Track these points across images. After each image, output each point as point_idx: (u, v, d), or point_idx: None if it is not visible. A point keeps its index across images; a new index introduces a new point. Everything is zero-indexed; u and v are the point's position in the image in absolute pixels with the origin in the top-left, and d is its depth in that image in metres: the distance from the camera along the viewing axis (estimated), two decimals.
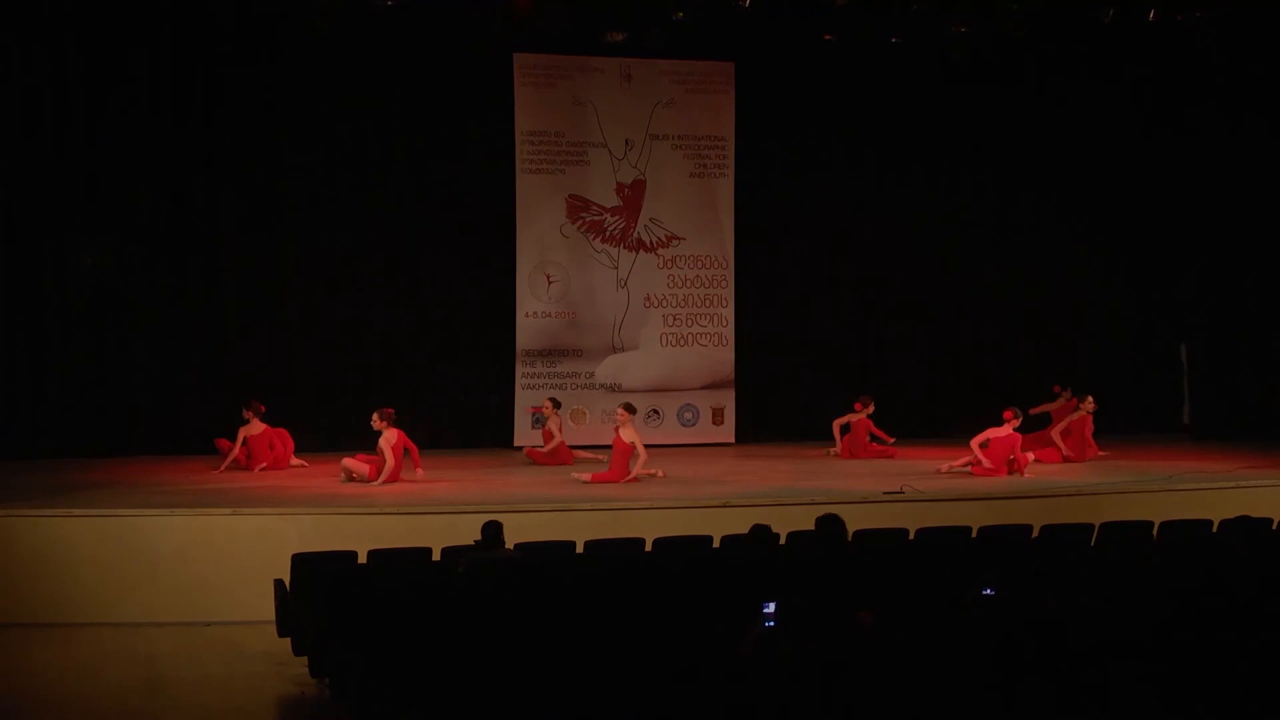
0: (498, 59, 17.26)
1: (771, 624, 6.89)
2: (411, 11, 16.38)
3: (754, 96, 17.97)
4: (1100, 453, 16.13)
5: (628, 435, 14.45)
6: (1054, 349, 18.94)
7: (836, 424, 16.68)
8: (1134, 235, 19.00)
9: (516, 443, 17.10)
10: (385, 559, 10.32)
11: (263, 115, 16.63)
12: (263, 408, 15.00)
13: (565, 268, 17.68)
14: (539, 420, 16.66)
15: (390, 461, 13.99)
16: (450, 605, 8.83)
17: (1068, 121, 18.51)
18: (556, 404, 16.35)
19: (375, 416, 14.26)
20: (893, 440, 16.63)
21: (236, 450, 14.77)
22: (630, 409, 14.91)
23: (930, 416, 18.43)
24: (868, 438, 16.56)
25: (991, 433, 14.73)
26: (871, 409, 16.61)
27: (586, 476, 14.38)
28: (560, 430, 16.09)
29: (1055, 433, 16.02)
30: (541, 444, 16.16)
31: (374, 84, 16.88)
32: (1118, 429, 17.53)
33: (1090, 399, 16.14)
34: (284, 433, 15.27)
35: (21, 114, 15.90)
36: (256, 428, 14.96)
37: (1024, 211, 18.91)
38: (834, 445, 16.65)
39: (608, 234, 17.81)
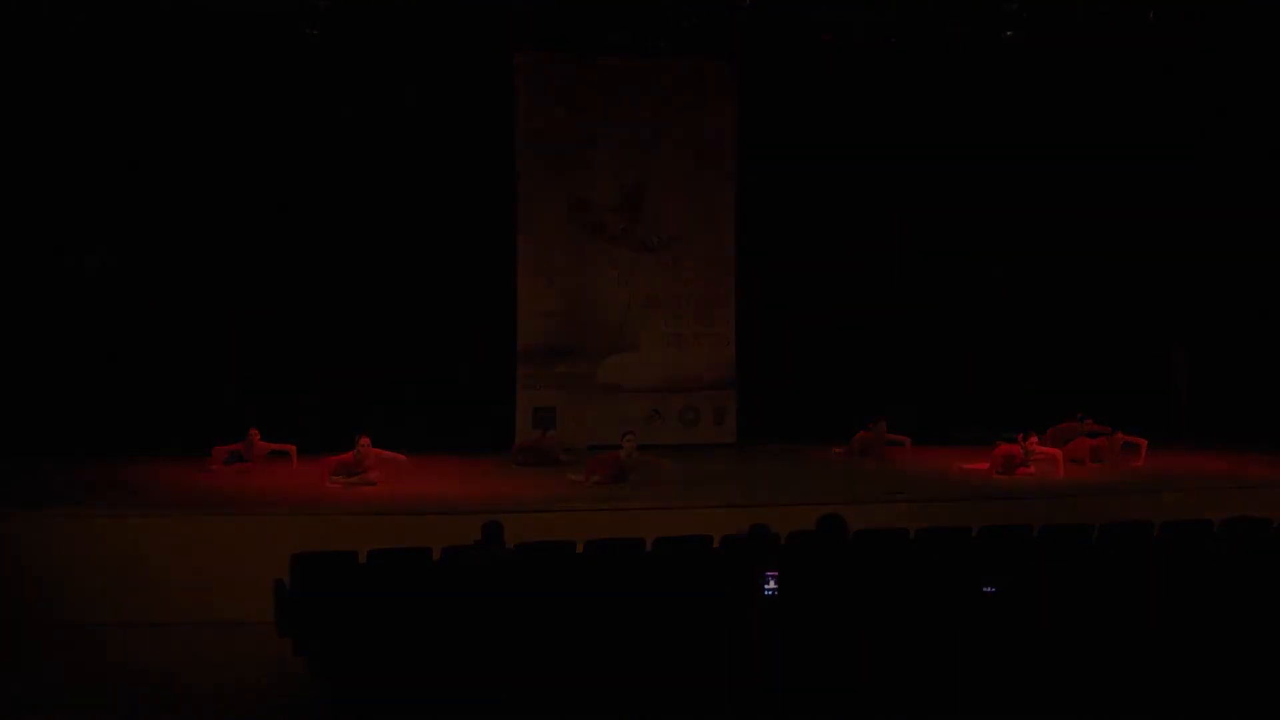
0: (498, 59, 17.27)
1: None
2: (411, 11, 16.39)
3: (754, 96, 17.98)
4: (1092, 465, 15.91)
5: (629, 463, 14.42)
6: (1054, 349, 18.96)
7: (857, 439, 16.46)
8: (1133, 235, 18.99)
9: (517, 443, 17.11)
10: (385, 559, 10.31)
11: (263, 115, 16.64)
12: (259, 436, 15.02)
13: (566, 268, 17.67)
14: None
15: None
16: (450, 605, 8.83)
17: (1067, 121, 18.51)
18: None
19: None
20: (907, 441, 16.47)
21: (218, 464, 14.74)
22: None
23: (931, 417, 18.41)
24: (882, 442, 16.47)
25: (1006, 449, 14.77)
26: (884, 427, 16.53)
27: (581, 477, 14.39)
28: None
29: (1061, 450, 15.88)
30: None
31: (374, 84, 16.88)
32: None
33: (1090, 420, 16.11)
34: (291, 450, 15.17)
35: (21, 113, 15.91)
36: (260, 450, 14.95)
37: (1023, 211, 18.90)
38: (841, 445, 16.58)
39: (608, 234, 17.81)
